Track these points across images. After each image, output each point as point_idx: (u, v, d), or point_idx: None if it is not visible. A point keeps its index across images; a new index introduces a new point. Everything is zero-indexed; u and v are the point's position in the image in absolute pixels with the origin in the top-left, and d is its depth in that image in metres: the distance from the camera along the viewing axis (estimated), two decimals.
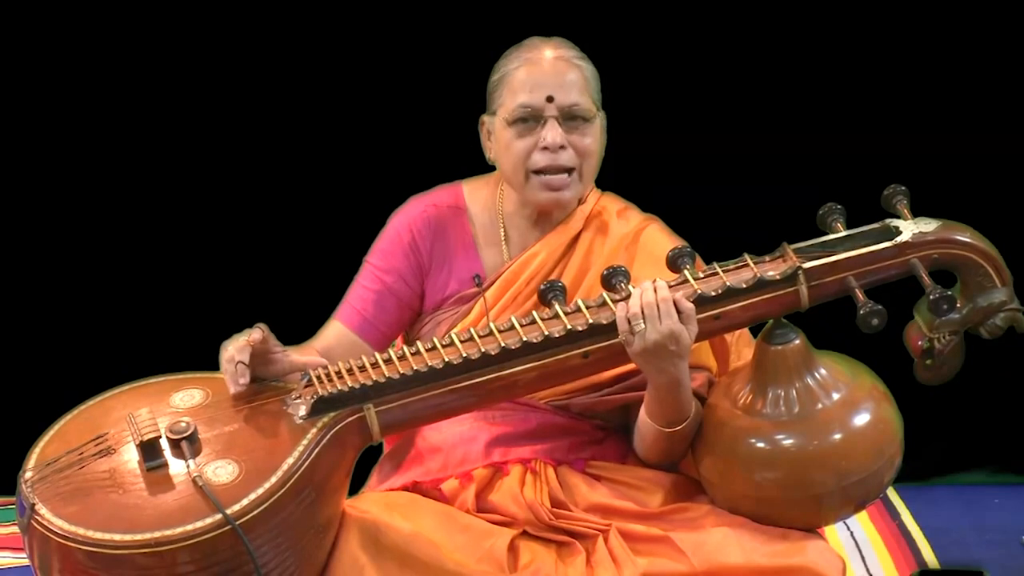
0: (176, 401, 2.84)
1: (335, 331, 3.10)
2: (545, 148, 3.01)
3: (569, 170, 3.03)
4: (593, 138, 3.04)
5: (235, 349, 2.84)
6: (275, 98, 4.56)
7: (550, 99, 3.00)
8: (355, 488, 2.97)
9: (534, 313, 2.87)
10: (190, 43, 4.55)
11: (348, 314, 3.10)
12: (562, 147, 3.01)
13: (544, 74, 3.02)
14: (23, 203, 4.66)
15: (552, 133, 3.01)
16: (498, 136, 3.05)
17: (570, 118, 3.02)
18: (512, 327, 2.86)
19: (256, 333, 2.84)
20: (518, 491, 2.94)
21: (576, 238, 3.09)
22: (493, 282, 3.08)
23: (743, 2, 4.43)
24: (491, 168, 3.13)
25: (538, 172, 3.02)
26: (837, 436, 2.86)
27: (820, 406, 2.87)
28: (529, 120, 3.01)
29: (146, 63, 4.57)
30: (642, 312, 2.79)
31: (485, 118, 3.10)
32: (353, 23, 4.51)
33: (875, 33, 4.43)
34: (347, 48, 4.51)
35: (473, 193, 3.16)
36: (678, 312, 2.80)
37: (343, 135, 4.57)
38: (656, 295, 2.81)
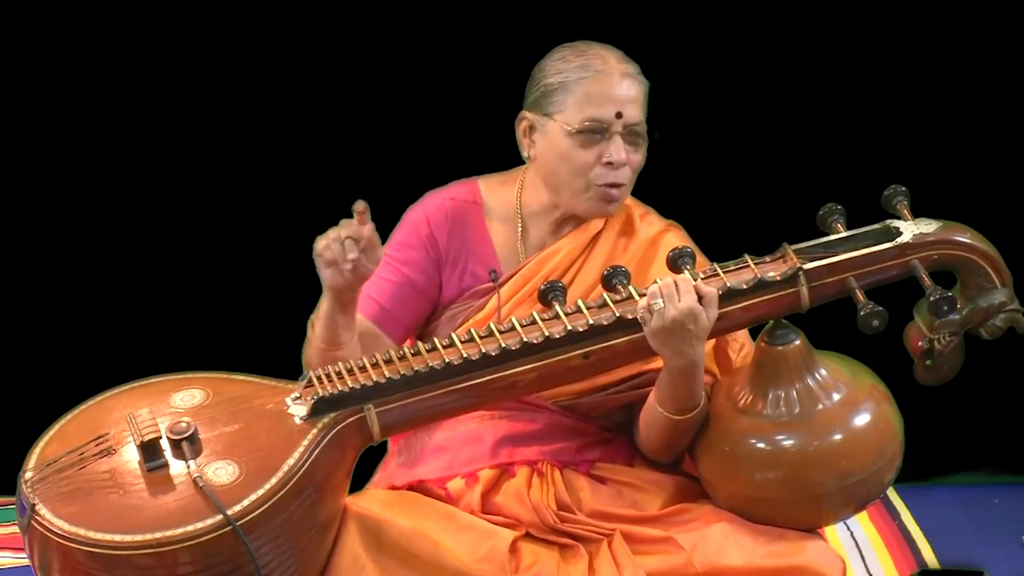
0: (176, 401, 2.83)
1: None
2: (609, 163, 3.02)
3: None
4: (643, 155, 3.07)
5: (343, 223, 2.82)
6: (282, 95, 4.55)
7: (619, 115, 3.01)
8: (358, 487, 2.97)
9: (535, 313, 2.87)
10: (200, 37, 4.54)
11: (366, 304, 3.06)
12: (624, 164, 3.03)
13: (615, 89, 3.02)
14: (23, 203, 4.66)
15: (619, 150, 3.01)
16: (554, 142, 3.04)
17: (632, 135, 3.03)
18: (512, 328, 2.85)
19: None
20: (524, 493, 2.94)
21: (596, 238, 3.09)
22: (510, 278, 3.07)
23: (744, 5, 4.44)
24: (509, 163, 3.13)
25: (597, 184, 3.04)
26: (838, 436, 2.86)
27: (820, 406, 2.87)
28: (596, 133, 3.02)
29: (149, 59, 4.57)
30: (661, 292, 2.80)
31: (529, 115, 3.08)
32: (368, 20, 4.50)
33: (875, 35, 4.43)
34: (361, 46, 4.51)
35: (490, 190, 3.15)
36: (699, 297, 2.81)
37: (350, 134, 4.56)
38: (675, 278, 2.82)
